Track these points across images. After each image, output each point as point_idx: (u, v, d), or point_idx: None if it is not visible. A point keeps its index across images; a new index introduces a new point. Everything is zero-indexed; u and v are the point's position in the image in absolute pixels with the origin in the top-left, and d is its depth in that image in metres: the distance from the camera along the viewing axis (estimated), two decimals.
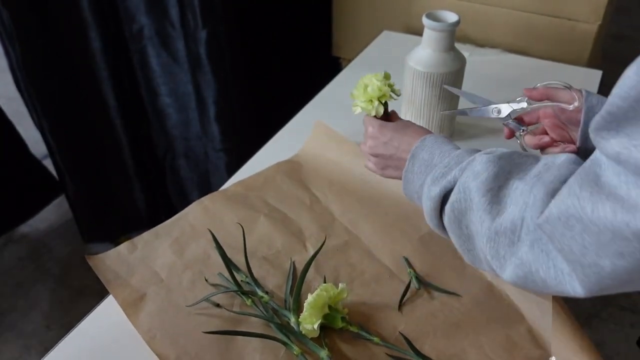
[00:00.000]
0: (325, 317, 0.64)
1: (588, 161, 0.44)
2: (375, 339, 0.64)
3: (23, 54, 1.32)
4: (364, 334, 0.65)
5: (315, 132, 0.97)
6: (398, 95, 0.76)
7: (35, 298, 1.69)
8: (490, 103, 0.78)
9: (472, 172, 0.54)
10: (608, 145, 0.39)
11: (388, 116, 0.76)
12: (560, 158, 0.51)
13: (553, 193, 0.47)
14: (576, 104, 0.68)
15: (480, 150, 0.59)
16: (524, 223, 0.49)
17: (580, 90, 0.69)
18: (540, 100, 0.73)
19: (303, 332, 0.64)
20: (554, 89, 0.72)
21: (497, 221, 0.50)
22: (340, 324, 0.65)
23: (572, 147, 0.71)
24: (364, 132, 0.75)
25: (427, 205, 0.60)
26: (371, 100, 0.74)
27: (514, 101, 0.76)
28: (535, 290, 0.51)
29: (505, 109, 0.76)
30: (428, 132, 0.69)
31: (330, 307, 0.65)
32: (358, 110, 0.76)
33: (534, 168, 0.52)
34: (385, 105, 0.75)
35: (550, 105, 0.72)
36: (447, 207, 0.57)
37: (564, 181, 0.47)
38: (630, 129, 0.37)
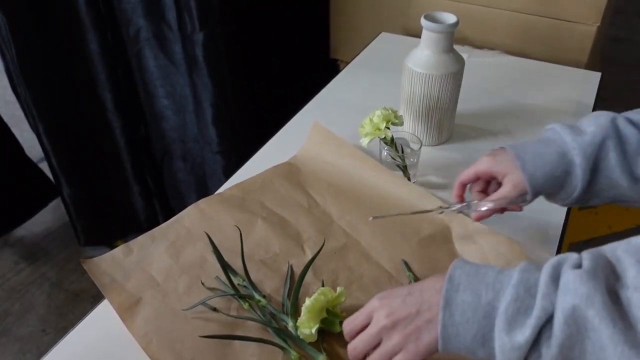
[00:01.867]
0: (323, 321, 0.64)
1: None
2: None
3: (19, 56, 1.31)
4: None
5: (313, 133, 0.96)
6: (401, 123, 0.84)
7: (31, 302, 1.68)
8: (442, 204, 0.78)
9: (578, 295, 0.43)
10: None
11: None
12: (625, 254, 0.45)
13: None
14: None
15: (532, 263, 0.49)
16: None
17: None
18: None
19: (301, 337, 0.63)
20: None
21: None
22: (338, 329, 0.64)
23: (516, 207, 0.71)
24: (356, 323, 0.56)
25: (508, 357, 0.46)
26: (379, 128, 0.84)
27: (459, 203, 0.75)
28: None
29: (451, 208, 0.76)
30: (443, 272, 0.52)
31: (328, 311, 0.64)
32: (367, 141, 0.84)
33: (621, 269, 0.45)
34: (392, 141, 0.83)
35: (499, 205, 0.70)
36: (544, 350, 0.45)
37: None
38: None
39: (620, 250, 0.46)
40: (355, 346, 0.55)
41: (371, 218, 0.78)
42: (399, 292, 0.54)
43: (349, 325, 0.56)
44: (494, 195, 0.70)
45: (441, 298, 0.49)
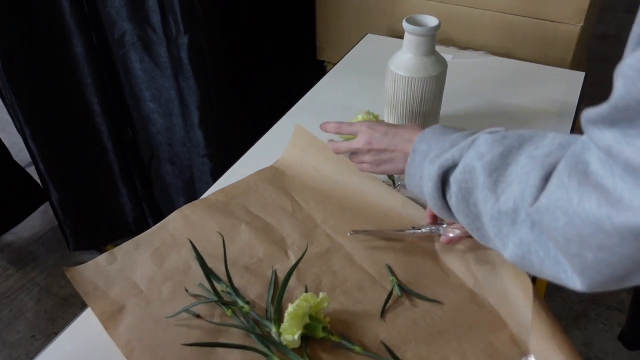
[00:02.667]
0: (306, 327, 0.64)
1: (577, 146, 0.44)
2: (357, 348, 0.63)
3: (4, 60, 1.30)
4: (345, 343, 0.64)
5: (295, 136, 0.96)
6: None
7: (20, 307, 1.67)
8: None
9: (477, 152, 0.54)
10: (601, 137, 0.39)
11: None
12: (575, 139, 0.49)
13: (548, 178, 0.47)
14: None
15: (478, 131, 0.60)
16: (524, 203, 0.48)
17: None
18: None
19: (284, 343, 0.63)
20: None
21: (501, 199, 0.50)
22: (321, 334, 0.64)
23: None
24: (350, 144, 0.76)
25: (428, 186, 0.60)
26: None
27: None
28: (534, 273, 0.51)
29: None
30: (424, 128, 0.68)
31: (311, 316, 0.64)
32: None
33: (546, 145, 0.51)
34: None
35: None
36: (453, 188, 0.57)
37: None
38: (626, 124, 0.37)
39: (567, 137, 0.51)
40: (337, 147, 0.78)
41: (349, 233, 0.79)
42: (380, 129, 0.73)
43: (340, 128, 0.79)
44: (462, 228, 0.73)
45: (412, 146, 0.66)
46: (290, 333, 0.63)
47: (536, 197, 0.47)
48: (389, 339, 0.65)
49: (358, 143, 0.74)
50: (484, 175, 0.52)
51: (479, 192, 0.53)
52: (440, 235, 0.76)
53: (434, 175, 0.59)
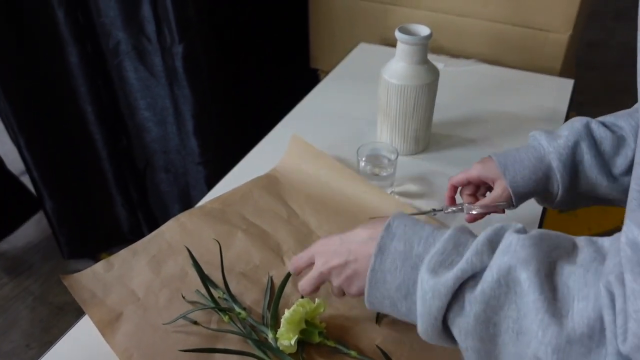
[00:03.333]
0: (302, 332, 0.65)
1: (627, 247, 0.38)
2: (353, 353, 0.64)
3: None
4: (341, 348, 0.65)
5: (292, 146, 0.97)
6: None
7: (15, 316, 1.66)
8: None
9: (515, 258, 0.43)
10: None
11: None
12: (606, 241, 0.44)
13: (612, 292, 0.39)
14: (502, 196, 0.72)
15: (463, 227, 0.50)
16: (605, 325, 0.38)
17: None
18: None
19: (281, 348, 0.64)
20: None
21: (569, 326, 0.39)
22: (317, 339, 0.65)
23: (499, 210, 0.74)
24: (311, 274, 0.61)
25: (430, 304, 0.46)
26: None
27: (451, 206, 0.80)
28: None
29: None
30: (382, 220, 0.53)
31: (307, 322, 0.65)
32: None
33: (580, 249, 0.44)
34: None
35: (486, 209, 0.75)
36: (474, 306, 0.44)
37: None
38: None
39: (607, 241, 0.44)
40: (303, 287, 0.62)
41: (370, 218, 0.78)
42: (334, 241, 0.58)
43: (294, 264, 0.63)
44: (486, 200, 0.74)
45: (376, 244, 0.51)
46: (286, 338, 0.63)
47: (614, 320, 0.38)
48: (385, 343, 0.66)
49: (317, 269, 0.59)
50: (536, 292, 0.41)
51: (525, 315, 0.42)
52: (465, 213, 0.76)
53: (445, 290, 0.45)
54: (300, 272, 0.64)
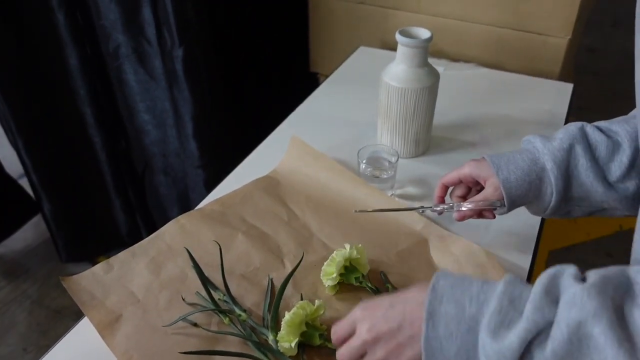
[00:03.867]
0: (303, 334, 0.64)
1: None
2: None
3: None
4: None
5: (292, 147, 0.97)
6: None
7: (12, 320, 1.65)
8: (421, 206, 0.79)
9: (583, 312, 0.41)
10: None
11: None
12: None
13: None
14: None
15: (517, 277, 0.48)
16: None
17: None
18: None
19: (281, 350, 0.64)
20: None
21: None
22: (318, 341, 0.65)
23: (490, 214, 0.73)
24: (350, 344, 0.55)
25: None
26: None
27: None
28: None
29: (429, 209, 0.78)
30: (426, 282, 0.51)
31: (308, 324, 0.65)
32: (330, 282, 0.72)
33: (636, 285, 0.43)
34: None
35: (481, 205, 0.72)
36: None
37: None
38: None
39: None
40: (341, 358, 0.55)
41: (355, 211, 0.79)
42: (381, 304, 0.53)
43: (335, 333, 0.56)
44: (478, 196, 0.72)
45: (424, 310, 0.48)
46: (287, 341, 0.63)
47: None
48: None
49: (359, 337, 0.53)
50: (614, 346, 0.39)
51: None
52: (452, 214, 0.74)
53: (511, 354, 0.43)
54: (341, 343, 0.56)
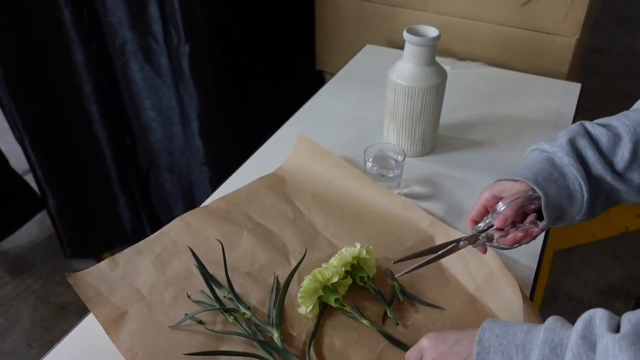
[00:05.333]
0: (320, 296, 0.69)
1: None
2: (365, 322, 0.68)
3: (4, 68, 1.31)
4: (356, 314, 0.69)
5: (298, 145, 0.97)
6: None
7: (16, 316, 1.66)
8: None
9: None
10: None
11: None
12: None
13: None
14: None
15: (559, 319, 0.50)
16: None
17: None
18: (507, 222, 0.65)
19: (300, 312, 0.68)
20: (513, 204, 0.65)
21: None
22: (335, 304, 0.69)
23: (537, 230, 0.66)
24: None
25: None
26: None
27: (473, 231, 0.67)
28: None
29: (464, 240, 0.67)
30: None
31: (325, 288, 0.69)
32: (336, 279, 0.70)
33: None
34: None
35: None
36: None
37: None
38: None
39: None
40: None
41: (393, 262, 0.70)
42: (449, 338, 0.56)
43: (407, 358, 0.60)
44: (510, 197, 0.65)
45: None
46: (304, 305, 0.68)
47: None
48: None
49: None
50: None
51: None
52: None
53: None
54: None
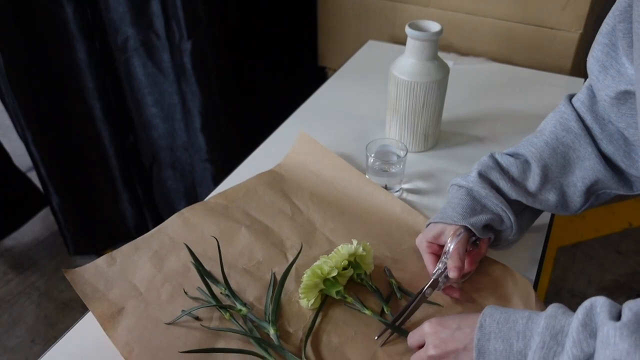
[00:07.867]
0: (322, 289, 0.69)
1: None
2: (368, 312, 0.68)
3: (6, 65, 1.31)
4: (358, 305, 0.69)
5: (299, 142, 0.96)
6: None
7: (20, 312, 1.66)
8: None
9: (619, 351, 0.44)
10: None
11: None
12: None
13: None
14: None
15: (560, 307, 0.51)
16: None
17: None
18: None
19: (302, 305, 0.69)
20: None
21: None
22: (336, 296, 0.69)
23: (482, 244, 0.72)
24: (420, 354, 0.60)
25: None
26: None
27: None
28: None
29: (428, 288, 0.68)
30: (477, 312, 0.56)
31: (326, 280, 0.69)
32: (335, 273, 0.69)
33: None
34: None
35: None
36: None
37: None
38: None
39: None
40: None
41: (376, 337, 0.66)
42: (450, 324, 0.57)
43: (409, 340, 0.62)
44: (453, 235, 0.68)
45: (474, 347, 0.52)
46: (305, 299, 0.68)
47: None
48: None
49: (427, 350, 0.58)
50: None
51: None
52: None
53: None
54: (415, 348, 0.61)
